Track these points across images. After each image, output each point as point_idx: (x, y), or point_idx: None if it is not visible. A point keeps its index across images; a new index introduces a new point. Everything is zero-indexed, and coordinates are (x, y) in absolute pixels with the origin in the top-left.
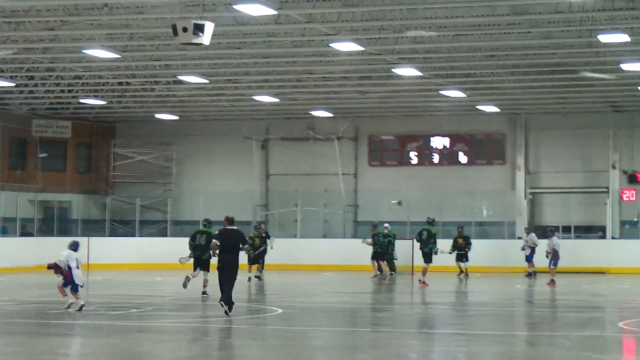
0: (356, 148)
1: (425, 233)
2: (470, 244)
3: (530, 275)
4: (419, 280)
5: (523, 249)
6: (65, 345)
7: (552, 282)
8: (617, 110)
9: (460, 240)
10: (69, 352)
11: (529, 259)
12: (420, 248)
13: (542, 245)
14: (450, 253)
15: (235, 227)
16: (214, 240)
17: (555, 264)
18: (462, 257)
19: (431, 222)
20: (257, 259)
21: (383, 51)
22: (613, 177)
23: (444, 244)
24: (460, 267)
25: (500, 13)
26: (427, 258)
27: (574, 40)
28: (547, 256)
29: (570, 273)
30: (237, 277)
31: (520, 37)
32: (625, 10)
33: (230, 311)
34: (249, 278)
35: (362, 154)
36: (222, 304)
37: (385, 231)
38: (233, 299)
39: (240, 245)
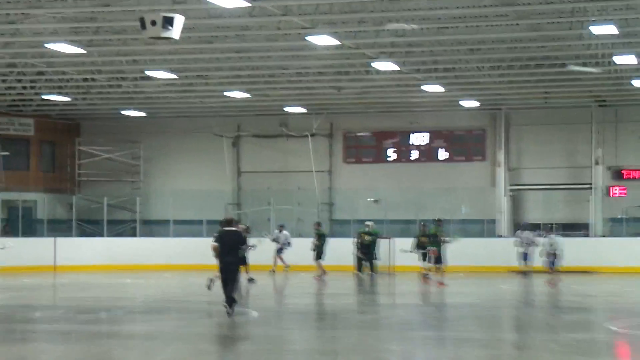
0: (331, 145)
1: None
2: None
3: (524, 274)
4: (438, 283)
5: (541, 255)
6: (31, 352)
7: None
8: (602, 104)
9: (423, 239)
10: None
11: (525, 257)
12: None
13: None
14: (411, 252)
15: (233, 228)
16: (213, 244)
17: (554, 264)
18: (425, 256)
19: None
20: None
21: (362, 45)
22: (596, 173)
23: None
24: (421, 268)
25: (486, 4)
26: (436, 259)
27: (564, 33)
28: (540, 255)
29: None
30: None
31: (507, 30)
32: (617, 0)
33: (232, 311)
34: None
35: (337, 151)
36: (225, 306)
37: (367, 229)
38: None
39: (240, 246)
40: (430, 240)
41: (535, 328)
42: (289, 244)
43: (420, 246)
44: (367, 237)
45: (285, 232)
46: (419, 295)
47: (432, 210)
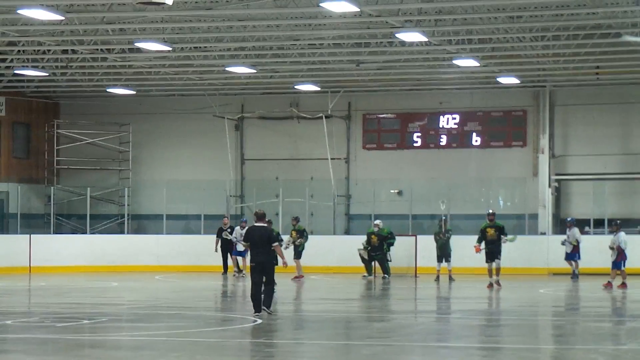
0: (348, 128)
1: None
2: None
3: (575, 276)
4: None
5: (563, 243)
6: None
7: (624, 284)
8: None
9: (442, 236)
10: None
11: (570, 257)
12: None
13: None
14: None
15: (264, 224)
16: (244, 242)
17: (622, 265)
18: (443, 256)
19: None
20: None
21: (384, 12)
22: None
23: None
24: (438, 270)
25: None
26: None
27: None
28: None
29: (603, 275)
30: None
31: None
32: None
33: (260, 312)
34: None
35: (356, 135)
36: (264, 310)
37: (375, 230)
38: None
39: (272, 244)
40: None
41: (577, 337)
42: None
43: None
44: (374, 238)
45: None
46: (437, 300)
47: (464, 203)
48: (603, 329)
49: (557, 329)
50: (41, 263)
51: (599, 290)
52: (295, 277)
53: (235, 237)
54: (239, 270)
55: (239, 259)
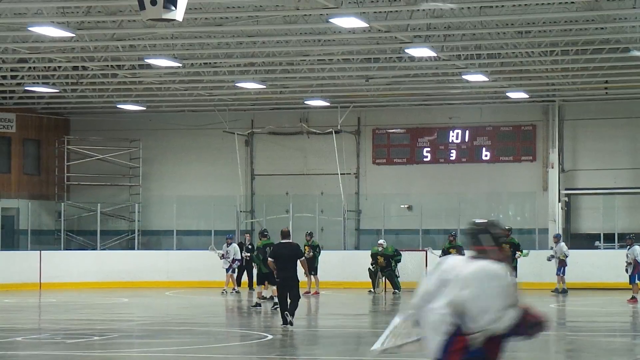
0: (358, 143)
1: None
2: (463, 255)
3: (559, 291)
4: None
5: (549, 259)
6: None
7: (634, 299)
8: None
9: (452, 251)
10: None
11: (557, 271)
12: None
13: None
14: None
15: (290, 241)
16: (269, 259)
17: (635, 278)
18: None
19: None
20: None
21: (393, 28)
22: None
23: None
24: None
25: None
26: None
27: (627, 12)
28: (626, 270)
29: (615, 290)
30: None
31: (561, 9)
32: None
33: (287, 321)
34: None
35: (366, 150)
36: (285, 318)
37: (380, 249)
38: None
39: (299, 259)
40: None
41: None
42: (234, 260)
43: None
44: (381, 259)
45: (234, 244)
46: None
47: (474, 218)
48: (614, 344)
49: (569, 344)
50: (51, 279)
51: (610, 305)
52: (313, 293)
53: (222, 254)
54: (234, 289)
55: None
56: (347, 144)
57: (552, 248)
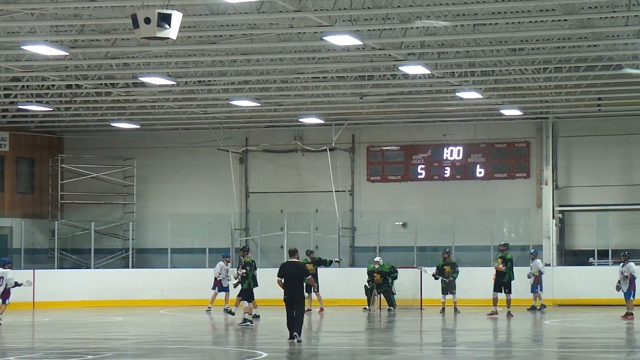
0: (352, 161)
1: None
2: (457, 272)
3: (535, 308)
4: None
5: (529, 276)
6: None
7: (628, 315)
8: None
9: (447, 268)
10: None
11: (533, 289)
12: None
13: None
14: (435, 278)
15: (297, 259)
16: (278, 279)
17: (633, 295)
18: (448, 288)
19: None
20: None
21: (387, 45)
22: None
23: (463, 272)
24: (443, 302)
25: None
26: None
27: (619, 29)
28: (617, 288)
29: (609, 306)
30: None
31: (554, 27)
32: None
33: (294, 338)
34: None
35: (360, 167)
36: (295, 336)
37: (377, 267)
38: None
39: (305, 278)
40: (452, 270)
41: None
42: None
43: (442, 276)
44: (377, 276)
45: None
46: (442, 332)
47: (468, 235)
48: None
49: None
50: (45, 298)
51: (605, 321)
52: (319, 310)
53: (220, 274)
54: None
55: (223, 294)
56: (342, 161)
57: (549, 265)
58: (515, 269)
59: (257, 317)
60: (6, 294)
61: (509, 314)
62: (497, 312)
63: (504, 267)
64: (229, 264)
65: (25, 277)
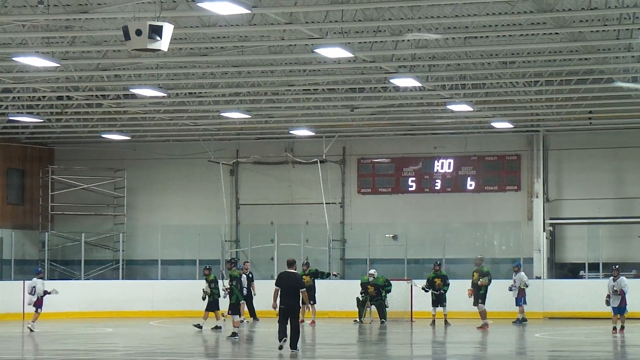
0: (343, 173)
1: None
2: (448, 285)
3: (519, 321)
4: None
5: (511, 289)
6: None
7: (616, 330)
8: None
9: (437, 281)
10: None
11: (517, 302)
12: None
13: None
14: (425, 291)
15: (294, 270)
16: (275, 287)
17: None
18: (438, 301)
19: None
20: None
21: (378, 58)
22: None
23: (453, 285)
24: (433, 315)
25: (520, 11)
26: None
27: (610, 43)
28: (607, 302)
29: (600, 319)
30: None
31: (545, 40)
32: None
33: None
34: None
35: (351, 179)
36: (282, 346)
37: (371, 279)
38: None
39: (300, 289)
40: (442, 283)
41: None
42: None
43: (433, 289)
44: (371, 288)
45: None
46: (433, 345)
47: (459, 248)
48: None
49: None
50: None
51: (595, 334)
52: (310, 322)
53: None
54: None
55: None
56: (332, 173)
57: (540, 278)
58: (499, 281)
59: (218, 328)
60: (39, 302)
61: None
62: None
63: (486, 281)
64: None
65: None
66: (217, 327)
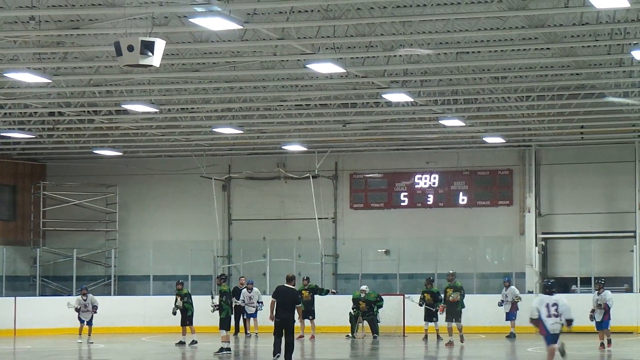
0: (335, 188)
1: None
2: (440, 300)
3: (512, 336)
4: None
5: (501, 304)
6: None
7: (603, 346)
8: None
9: (427, 296)
10: None
11: (509, 316)
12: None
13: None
14: (420, 305)
15: (292, 286)
16: (272, 299)
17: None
18: (430, 316)
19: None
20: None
21: (370, 73)
22: None
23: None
24: (425, 329)
25: (512, 26)
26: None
27: (601, 58)
28: (591, 318)
29: (592, 334)
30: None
31: (536, 55)
32: None
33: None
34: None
35: (343, 195)
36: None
37: (363, 295)
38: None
39: (296, 305)
40: (433, 299)
41: None
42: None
43: (425, 304)
44: (362, 304)
45: (255, 289)
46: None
47: (451, 262)
48: None
49: None
50: (27, 325)
51: (588, 349)
52: (310, 337)
53: (244, 301)
54: (248, 333)
55: (251, 319)
56: (325, 188)
57: (532, 292)
58: (491, 296)
59: (182, 343)
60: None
61: (462, 339)
62: (452, 341)
63: (458, 296)
64: (252, 290)
65: (5, 304)
66: (181, 343)
